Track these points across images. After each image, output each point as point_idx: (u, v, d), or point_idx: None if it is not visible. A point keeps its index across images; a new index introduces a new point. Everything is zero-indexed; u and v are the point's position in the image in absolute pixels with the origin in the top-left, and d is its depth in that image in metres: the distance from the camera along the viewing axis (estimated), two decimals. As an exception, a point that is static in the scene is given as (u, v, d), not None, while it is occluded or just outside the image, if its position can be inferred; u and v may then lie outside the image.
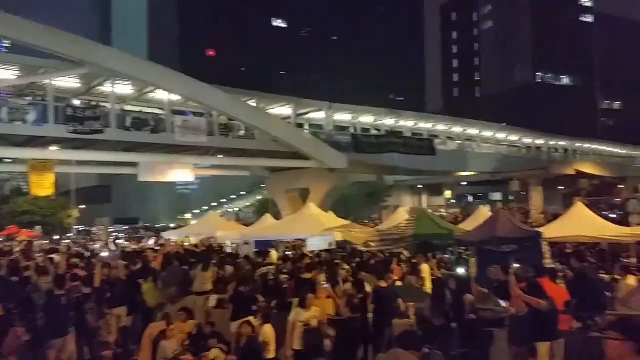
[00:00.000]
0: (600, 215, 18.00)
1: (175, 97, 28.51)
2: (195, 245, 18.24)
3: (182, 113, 30.04)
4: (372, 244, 13.93)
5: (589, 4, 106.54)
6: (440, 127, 48.21)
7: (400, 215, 19.37)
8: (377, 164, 37.32)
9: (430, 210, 32.40)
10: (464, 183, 53.64)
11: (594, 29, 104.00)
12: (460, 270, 10.01)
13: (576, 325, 7.62)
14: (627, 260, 11.79)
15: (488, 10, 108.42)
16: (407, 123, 44.76)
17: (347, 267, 11.01)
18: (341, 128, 40.58)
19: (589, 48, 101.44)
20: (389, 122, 43.44)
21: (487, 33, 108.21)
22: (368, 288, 8.68)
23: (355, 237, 14.59)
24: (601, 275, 10.45)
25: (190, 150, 29.54)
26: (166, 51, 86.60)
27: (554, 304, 6.68)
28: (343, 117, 40.89)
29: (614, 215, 30.73)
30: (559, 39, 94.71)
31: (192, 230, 22.74)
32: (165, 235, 26.23)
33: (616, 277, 9.58)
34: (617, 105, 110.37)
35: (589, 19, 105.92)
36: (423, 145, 40.67)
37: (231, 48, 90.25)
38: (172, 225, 49.54)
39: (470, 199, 63.88)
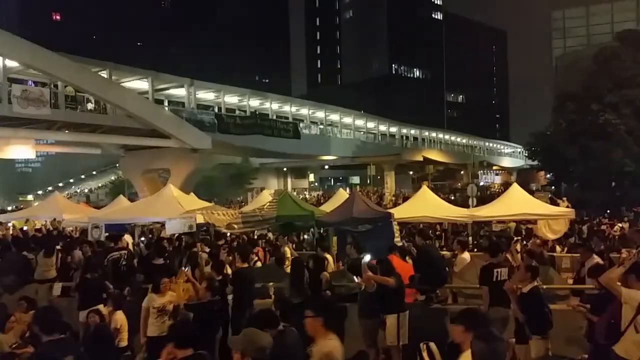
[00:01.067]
0: (444, 198, 19.90)
1: (12, 63, 25.33)
2: (38, 229, 16.54)
3: (21, 82, 26.82)
4: (235, 226, 13.79)
5: (439, 2, 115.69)
6: (305, 111, 49.27)
7: (264, 197, 19.46)
8: (243, 145, 37.03)
9: (294, 193, 33.12)
10: (327, 167, 55.63)
11: (443, 27, 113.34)
12: (319, 250, 10.37)
13: (420, 298, 8.32)
14: (463, 238, 13.17)
15: (349, 0, 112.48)
16: (273, 105, 44.98)
17: (207, 249, 10.78)
18: (204, 107, 39.46)
19: (438, 44, 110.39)
20: (254, 103, 43.25)
21: (348, 22, 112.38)
22: (229, 270, 8.62)
23: (217, 219, 14.30)
24: (443, 252, 11.55)
25: (31, 123, 26.54)
26: (4, 12, 76.36)
27: (401, 279, 7.21)
28: (206, 95, 39.78)
29: (455, 198, 34.25)
30: (412, 33, 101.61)
31: (33, 213, 20.51)
32: (2, 218, 23.39)
33: (456, 253, 10.66)
34: (460, 98, 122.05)
35: (438, 16, 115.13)
36: (288, 128, 41.24)
37: (81, 13, 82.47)
38: (9, 208, 44.38)
39: (332, 182, 66.48)
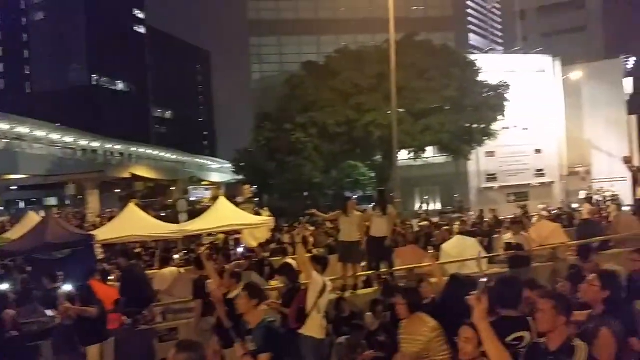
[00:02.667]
0: (154, 216, 19.41)
1: None
2: None
3: None
4: None
5: (141, 16, 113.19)
6: (-18, 122, 41.58)
7: None
8: None
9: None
10: (14, 187, 48.08)
11: (146, 41, 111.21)
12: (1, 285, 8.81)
13: (126, 322, 7.86)
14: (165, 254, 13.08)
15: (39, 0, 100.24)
16: None
17: None
18: None
19: (142, 58, 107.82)
20: None
21: (38, 25, 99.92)
22: None
23: None
24: (151, 271, 11.21)
25: None
26: None
27: (103, 306, 6.67)
28: None
29: (166, 215, 33.79)
30: (114, 44, 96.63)
31: None
32: None
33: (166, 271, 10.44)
34: (168, 114, 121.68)
35: (141, 30, 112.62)
36: (-44, 142, 34.16)
37: None
38: None
39: (23, 204, 57.70)
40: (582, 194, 33.93)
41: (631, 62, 41.41)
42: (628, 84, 40.44)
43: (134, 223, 14.35)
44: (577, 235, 11.81)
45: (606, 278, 4.52)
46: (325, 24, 62.30)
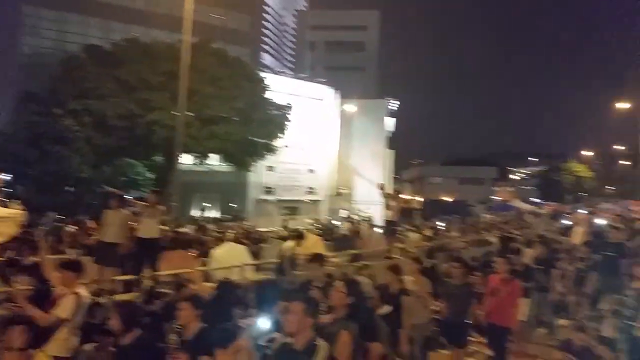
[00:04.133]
0: None
1: None
2: None
3: None
4: None
5: None
6: None
7: None
8: None
9: None
10: None
11: None
12: None
13: None
14: None
15: None
16: None
17: None
18: None
19: None
20: None
21: None
22: None
23: None
24: None
25: None
26: None
27: None
28: None
29: None
30: None
31: None
32: None
33: None
34: None
35: None
36: None
37: None
38: None
39: None
40: (344, 213, 37.94)
41: (395, 104, 48.05)
42: (390, 123, 46.87)
43: None
44: (334, 248, 13.03)
45: (351, 286, 5.04)
46: (115, 9, 58.06)
